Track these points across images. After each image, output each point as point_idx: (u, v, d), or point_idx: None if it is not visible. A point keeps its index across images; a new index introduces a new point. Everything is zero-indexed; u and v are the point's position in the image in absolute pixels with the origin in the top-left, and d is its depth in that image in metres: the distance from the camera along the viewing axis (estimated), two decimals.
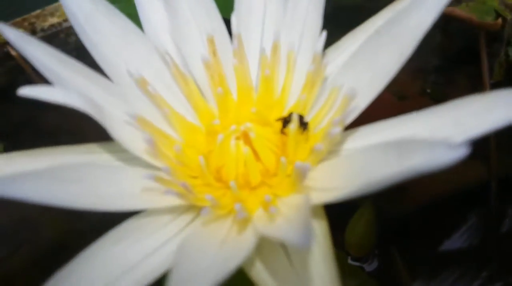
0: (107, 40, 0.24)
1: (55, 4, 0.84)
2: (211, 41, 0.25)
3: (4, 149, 0.60)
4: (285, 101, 0.25)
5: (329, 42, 0.26)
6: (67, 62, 0.22)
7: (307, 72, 0.23)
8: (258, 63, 0.26)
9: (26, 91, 0.19)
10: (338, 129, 0.20)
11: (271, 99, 0.25)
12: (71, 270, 0.18)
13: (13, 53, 0.78)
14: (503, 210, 0.48)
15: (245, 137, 0.23)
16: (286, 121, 0.23)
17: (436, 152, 0.14)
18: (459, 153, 0.14)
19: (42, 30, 0.83)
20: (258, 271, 0.19)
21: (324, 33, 0.23)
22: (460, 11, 0.64)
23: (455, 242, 0.47)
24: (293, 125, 0.22)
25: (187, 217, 0.21)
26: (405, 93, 0.66)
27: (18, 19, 0.86)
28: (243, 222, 0.20)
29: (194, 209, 0.22)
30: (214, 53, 0.25)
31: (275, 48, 0.25)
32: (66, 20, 0.82)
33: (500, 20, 0.60)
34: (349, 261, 0.46)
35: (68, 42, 0.69)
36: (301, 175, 0.20)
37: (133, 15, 0.27)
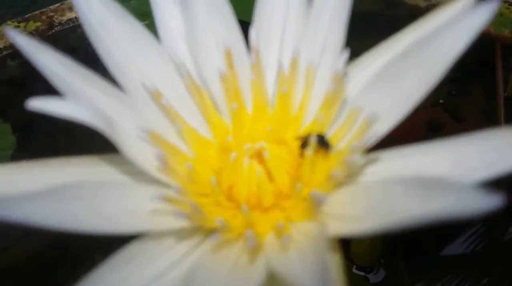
0: (121, 49, 0.24)
1: None
2: (228, 54, 0.24)
3: (16, 142, 0.60)
4: (302, 119, 0.24)
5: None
6: (79, 72, 0.21)
7: (326, 91, 0.22)
8: (275, 78, 0.25)
9: (36, 104, 0.18)
10: (357, 157, 0.19)
11: (287, 116, 0.24)
12: None
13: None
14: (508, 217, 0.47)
15: (259, 156, 0.22)
16: (304, 142, 0.22)
17: (467, 198, 0.13)
18: (491, 202, 0.13)
19: (60, 24, 0.83)
20: None
21: (347, 51, 0.22)
22: None
23: (457, 247, 0.46)
24: (310, 150, 0.21)
25: (194, 239, 0.21)
26: (418, 103, 0.65)
27: (36, 13, 0.86)
28: (254, 249, 0.19)
29: (201, 230, 0.21)
30: (231, 66, 0.24)
31: (294, 64, 0.24)
32: None
33: None
34: (354, 270, 0.46)
35: (85, 36, 0.68)
36: (316, 204, 0.19)
37: (148, 14, 0.26)
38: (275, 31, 0.25)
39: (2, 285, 0.43)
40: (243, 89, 0.25)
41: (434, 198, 0.14)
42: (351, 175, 0.21)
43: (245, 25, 0.26)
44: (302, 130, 0.24)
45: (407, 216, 0.15)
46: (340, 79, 0.22)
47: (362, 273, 0.45)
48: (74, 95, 0.21)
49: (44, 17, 0.83)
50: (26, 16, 0.83)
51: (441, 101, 0.66)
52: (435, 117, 0.64)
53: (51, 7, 0.83)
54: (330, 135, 0.23)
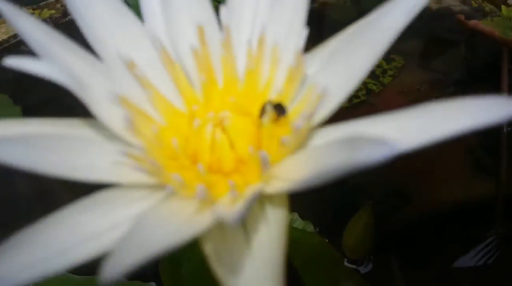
0: (101, 22, 0.26)
1: None
2: (201, 30, 0.26)
3: None
4: (268, 94, 0.26)
5: None
6: (57, 38, 0.23)
7: (288, 68, 0.24)
8: (245, 55, 0.27)
9: (12, 61, 0.20)
10: (302, 123, 0.21)
11: (255, 91, 0.26)
12: (36, 230, 0.19)
13: None
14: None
15: (223, 125, 0.24)
16: (262, 111, 0.24)
17: (373, 148, 0.15)
18: (390, 150, 0.14)
19: None
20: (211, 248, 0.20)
21: (306, 30, 0.24)
22: (484, 26, 0.64)
23: (455, 255, 0.48)
24: (266, 117, 0.23)
25: (159, 195, 0.22)
26: (421, 103, 0.66)
27: (51, 0, 0.89)
28: (206, 203, 0.21)
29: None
30: (203, 42, 0.26)
31: (261, 42, 0.25)
32: None
33: None
34: (345, 263, 0.47)
35: None
36: (263, 164, 0.21)
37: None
38: (246, 11, 0.27)
39: None
40: (214, 64, 0.26)
41: (356, 149, 0.16)
42: (299, 143, 0.22)
43: None
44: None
45: (336, 166, 0.17)
46: (300, 56, 0.24)
47: (353, 266, 0.47)
48: (51, 59, 0.22)
49: (58, 5, 0.86)
50: (41, 3, 0.86)
51: None
52: None
53: None
54: (291, 109, 0.25)
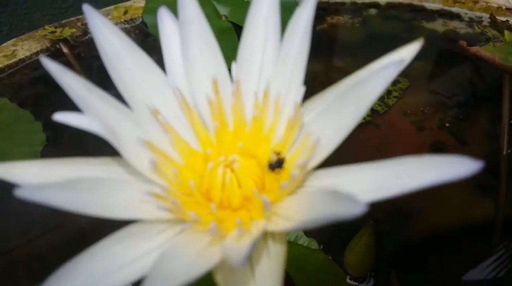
0: (129, 73, 0.30)
1: (108, 8, 0.91)
2: (215, 82, 0.30)
3: (47, 140, 0.66)
4: (272, 139, 0.30)
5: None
6: (95, 92, 0.27)
7: (288, 118, 0.28)
8: (252, 105, 0.31)
9: (59, 116, 0.24)
10: (297, 173, 0.25)
11: (260, 135, 0.30)
12: (78, 262, 0.23)
13: (64, 50, 0.85)
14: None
15: (232, 166, 0.28)
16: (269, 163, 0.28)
17: (349, 205, 0.19)
18: (360, 210, 0.18)
19: None
20: (221, 278, 0.24)
21: (304, 88, 0.28)
22: (485, 53, 0.67)
23: (456, 275, 0.50)
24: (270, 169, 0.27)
25: (178, 228, 0.26)
26: (425, 125, 0.70)
27: (72, 19, 0.93)
28: (218, 238, 0.25)
29: (184, 222, 0.27)
30: (216, 91, 0.30)
31: (266, 94, 0.30)
32: (117, 23, 0.89)
33: None
34: (348, 279, 0.50)
35: None
36: (264, 205, 0.25)
37: None
38: (253, 67, 0.31)
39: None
40: (226, 111, 0.31)
41: (337, 204, 0.20)
42: (296, 186, 0.26)
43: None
44: (271, 148, 0.30)
45: (323, 215, 0.21)
46: (298, 109, 0.28)
47: (355, 283, 0.50)
48: (90, 110, 0.27)
49: (79, 23, 0.90)
50: (63, 22, 0.90)
51: (447, 124, 0.70)
52: (439, 140, 0.68)
53: None
54: (290, 154, 0.29)
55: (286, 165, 0.27)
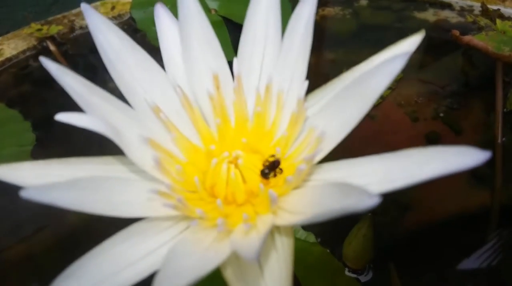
0: (130, 71, 0.29)
1: (95, 3, 0.90)
2: (215, 78, 0.30)
3: (36, 139, 0.65)
4: (274, 134, 0.30)
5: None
6: (96, 91, 0.27)
7: (291, 113, 0.28)
8: (254, 100, 0.31)
9: (62, 117, 0.24)
10: (304, 167, 0.25)
11: (262, 131, 0.30)
12: (84, 261, 0.23)
13: (51, 48, 0.84)
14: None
15: (236, 162, 0.28)
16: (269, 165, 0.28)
17: (361, 198, 0.19)
18: (372, 202, 0.18)
19: (81, 28, 0.89)
20: (231, 273, 0.24)
21: (307, 82, 0.28)
22: (478, 41, 0.67)
23: (454, 265, 0.50)
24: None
25: (183, 225, 0.26)
26: (419, 115, 0.70)
27: (59, 16, 0.92)
28: (225, 233, 0.25)
29: (190, 218, 0.27)
30: (217, 88, 0.30)
31: (268, 89, 0.29)
32: None
33: None
34: (346, 272, 0.50)
35: None
36: (271, 200, 0.25)
37: None
38: (254, 62, 0.31)
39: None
40: (228, 107, 0.31)
41: (346, 196, 0.20)
42: (302, 180, 0.26)
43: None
44: (274, 143, 0.30)
45: (331, 209, 0.21)
46: (301, 104, 0.28)
47: (354, 275, 0.50)
48: (91, 109, 0.26)
49: (66, 20, 0.89)
50: (49, 19, 0.89)
51: (441, 114, 0.70)
52: (434, 130, 0.68)
53: (73, 11, 0.89)
54: (294, 148, 0.29)
55: (288, 162, 0.27)
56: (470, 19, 0.74)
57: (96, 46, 0.29)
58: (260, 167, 0.28)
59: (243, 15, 0.31)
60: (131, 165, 0.28)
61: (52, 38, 0.85)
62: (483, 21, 0.73)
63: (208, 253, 0.24)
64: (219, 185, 0.28)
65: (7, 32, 0.85)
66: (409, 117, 0.71)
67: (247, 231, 0.25)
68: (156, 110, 0.29)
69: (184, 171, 0.28)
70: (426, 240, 0.55)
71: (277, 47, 0.30)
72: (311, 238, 0.49)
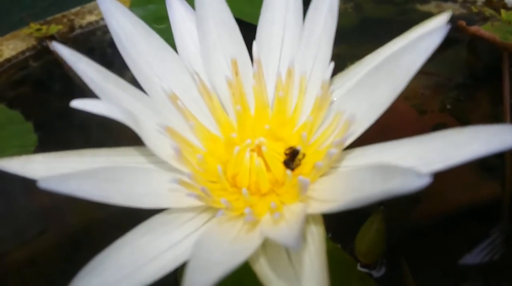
0: (145, 58, 0.28)
1: (94, 2, 0.89)
2: (234, 63, 0.29)
3: (38, 140, 0.64)
4: (296, 120, 0.29)
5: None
6: (111, 78, 0.26)
7: (315, 97, 0.27)
8: (274, 85, 0.29)
9: (77, 103, 0.22)
10: (335, 151, 0.24)
11: (284, 117, 0.29)
12: (105, 256, 0.22)
13: (51, 48, 0.83)
14: None
15: (259, 150, 0.27)
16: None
17: (409, 178, 0.18)
18: (424, 181, 0.17)
19: (80, 27, 0.87)
20: (262, 266, 0.22)
21: (332, 64, 0.27)
22: (484, 31, 0.66)
23: (465, 258, 0.49)
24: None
25: (206, 216, 0.25)
26: (426, 108, 0.68)
27: (58, 16, 0.91)
28: (252, 223, 0.24)
29: (211, 209, 0.25)
30: (236, 73, 0.29)
31: (289, 73, 0.28)
32: (103, 18, 0.87)
33: None
34: (358, 267, 0.48)
35: (104, 39, 0.73)
36: (302, 187, 0.23)
37: (165, 18, 0.31)
38: (274, 46, 0.29)
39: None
40: (247, 93, 0.29)
41: (389, 178, 0.19)
42: (332, 165, 0.25)
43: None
44: (297, 130, 0.28)
45: (371, 193, 0.19)
46: (326, 88, 0.26)
47: (366, 270, 0.49)
48: (107, 97, 0.25)
49: (65, 20, 0.88)
50: (48, 19, 0.87)
51: (448, 106, 0.69)
52: (441, 122, 0.67)
53: (72, 10, 0.87)
54: (319, 134, 0.27)
55: (313, 149, 0.26)
56: (475, 9, 0.74)
57: (110, 32, 0.28)
58: (284, 156, 0.27)
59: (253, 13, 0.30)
60: (147, 156, 0.27)
61: (52, 38, 0.84)
62: (488, 12, 0.73)
63: (236, 244, 0.22)
64: (242, 174, 0.26)
65: (3, 35, 0.83)
66: (416, 110, 0.70)
67: (277, 220, 0.23)
68: (173, 98, 0.28)
69: (204, 160, 0.27)
70: (438, 232, 0.54)
71: (298, 28, 0.29)
72: None
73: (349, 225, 0.51)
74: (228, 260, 0.20)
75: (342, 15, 0.88)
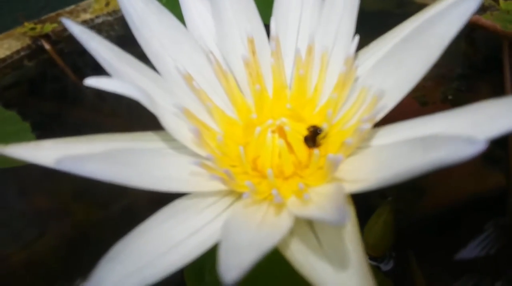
0: (157, 38, 0.27)
1: (88, 1, 0.87)
2: (251, 42, 0.27)
3: (36, 140, 0.62)
4: (317, 100, 0.27)
5: (357, 48, 0.27)
6: (124, 57, 0.24)
7: (339, 74, 0.26)
8: (293, 64, 0.28)
9: (92, 81, 0.21)
10: (367, 125, 0.22)
11: (304, 97, 0.27)
12: (126, 244, 0.20)
13: (46, 47, 0.81)
14: None
15: (280, 131, 0.25)
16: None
17: (459, 145, 0.16)
18: (478, 147, 0.16)
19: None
20: (292, 252, 0.21)
21: (357, 38, 0.25)
22: (485, 20, 0.65)
23: (472, 250, 0.48)
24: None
25: (228, 200, 0.24)
26: (427, 99, 0.68)
27: (52, 14, 0.89)
28: (279, 206, 0.22)
29: (233, 193, 0.24)
30: (253, 52, 0.27)
31: (310, 50, 0.27)
32: (98, 16, 0.85)
33: None
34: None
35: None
36: (333, 166, 0.22)
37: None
38: (292, 21, 0.28)
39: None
40: (264, 73, 0.28)
41: (434, 148, 0.17)
42: (361, 143, 0.24)
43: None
44: (318, 111, 0.27)
45: (411, 167, 0.18)
46: (351, 63, 0.25)
47: (374, 263, 0.48)
48: (120, 76, 0.24)
49: (59, 18, 0.86)
50: (42, 18, 0.86)
51: (450, 97, 0.68)
52: None
53: (67, 9, 0.86)
54: (343, 112, 0.26)
55: (337, 128, 0.25)
56: None
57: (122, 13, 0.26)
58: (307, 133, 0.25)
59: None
60: (163, 141, 0.25)
61: (46, 37, 0.82)
62: (487, 1, 0.72)
63: (263, 228, 0.21)
64: (263, 156, 0.25)
65: None
66: (417, 101, 0.69)
67: (306, 202, 0.22)
68: (188, 79, 0.26)
69: (224, 143, 0.25)
70: (444, 224, 0.53)
71: (317, 3, 0.27)
72: None
73: (357, 217, 0.50)
74: (259, 243, 0.19)
75: None
